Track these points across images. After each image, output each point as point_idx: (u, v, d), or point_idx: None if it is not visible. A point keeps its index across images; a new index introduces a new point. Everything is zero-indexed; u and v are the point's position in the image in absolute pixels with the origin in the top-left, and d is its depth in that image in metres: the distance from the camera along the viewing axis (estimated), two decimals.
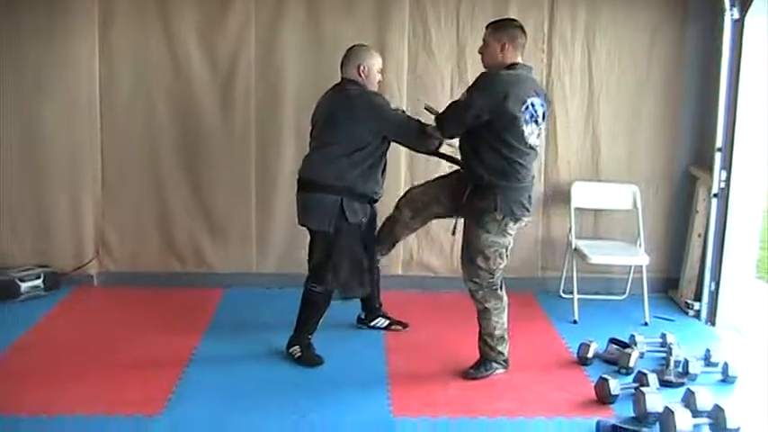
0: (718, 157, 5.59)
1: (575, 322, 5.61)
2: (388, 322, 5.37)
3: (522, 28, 4.59)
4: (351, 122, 4.63)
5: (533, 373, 4.79)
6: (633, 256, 5.84)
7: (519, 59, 4.52)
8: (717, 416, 4.05)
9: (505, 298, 4.68)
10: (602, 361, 4.94)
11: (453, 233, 4.72)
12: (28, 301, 5.72)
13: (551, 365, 4.94)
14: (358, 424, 4.14)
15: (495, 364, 4.70)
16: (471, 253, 4.56)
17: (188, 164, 6.01)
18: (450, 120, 4.54)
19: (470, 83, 5.88)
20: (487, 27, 4.63)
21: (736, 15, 5.42)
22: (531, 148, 4.48)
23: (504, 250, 4.56)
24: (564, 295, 6.02)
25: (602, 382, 4.41)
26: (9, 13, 5.76)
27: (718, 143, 5.58)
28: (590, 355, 4.91)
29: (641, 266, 5.75)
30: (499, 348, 4.69)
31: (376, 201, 4.90)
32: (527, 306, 5.90)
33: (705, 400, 4.15)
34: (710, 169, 5.66)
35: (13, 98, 5.85)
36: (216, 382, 4.56)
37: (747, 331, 5.62)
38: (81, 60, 5.86)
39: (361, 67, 4.76)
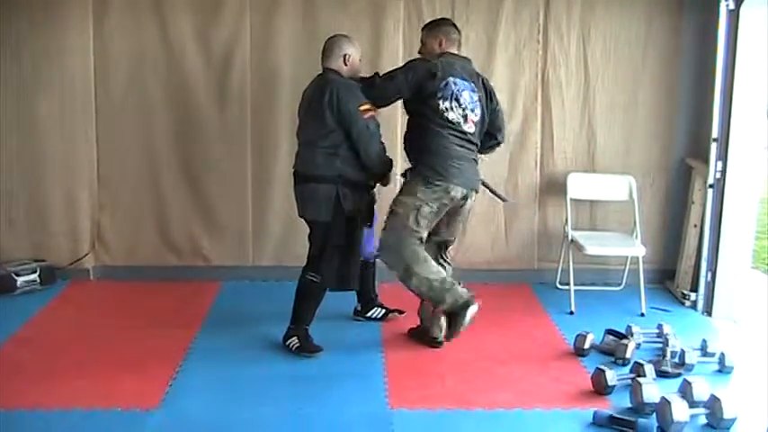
0: (713, 147, 5.59)
1: (571, 313, 5.62)
2: (384, 312, 5.38)
3: (455, 25, 4.97)
4: (322, 109, 4.66)
5: (530, 365, 4.80)
6: (629, 247, 5.84)
7: (453, 51, 4.86)
8: (713, 406, 4.05)
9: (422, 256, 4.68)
10: (598, 352, 4.94)
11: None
12: (24, 296, 5.72)
13: (548, 357, 4.94)
14: (355, 416, 4.14)
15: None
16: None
17: (184, 157, 6.00)
18: (373, 89, 4.77)
19: None
20: (423, 29, 4.99)
21: (732, 6, 5.42)
22: (450, 122, 4.67)
23: (415, 210, 4.63)
24: (560, 286, 6.03)
25: (599, 373, 4.42)
26: (4, 8, 5.74)
27: (714, 133, 5.58)
28: (587, 346, 4.92)
29: (637, 257, 5.75)
30: (444, 297, 4.63)
31: (373, 187, 4.95)
32: (524, 297, 5.92)
33: (702, 391, 4.16)
34: (706, 160, 5.67)
35: (9, 92, 5.84)
36: (213, 375, 4.56)
37: (744, 321, 5.64)
38: (76, 56, 5.85)
39: (346, 57, 4.81)
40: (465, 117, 4.71)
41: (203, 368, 4.65)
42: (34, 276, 5.82)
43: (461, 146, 4.72)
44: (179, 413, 4.12)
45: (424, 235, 4.70)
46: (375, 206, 5.00)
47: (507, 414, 4.20)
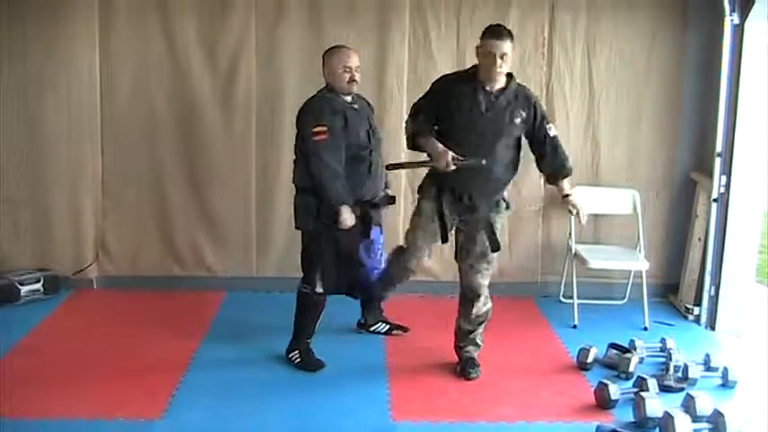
0: (717, 161, 5.59)
1: (574, 327, 5.61)
2: (388, 327, 5.37)
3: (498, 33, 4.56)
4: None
5: (533, 378, 4.80)
6: (633, 261, 5.83)
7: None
8: (716, 421, 4.05)
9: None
10: (601, 366, 4.94)
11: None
12: (28, 305, 5.71)
13: (551, 370, 4.94)
14: (358, 429, 4.14)
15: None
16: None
17: (188, 167, 6.01)
18: None
19: None
20: (507, 38, 4.48)
21: (736, 20, 5.43)
22: None
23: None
24: (564, 300, 6.02)
25: (602, 387, 4.41)
26: (12, 16, 5.76)
27: (718, 148, 5.58)
28: (590, 359, 4.91)
29: (641, 271, 5.75)
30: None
31: (370, 203, 4.87)
32: (527, 311, 5.91)
33: (705, 405, 4.15)
34: (710, 174, 5.67)
35: (14, 101, 5.85)
36: (216, 385, 4.57)
37: (747, 336, 5.63)
38: (81, 65, 5.86)
39: (326, 71, 4.82)
40: None
41: (206, 378, 4.65)
42: (38, 286, 5.82)
43: None
44: (182, 423, 4.12)
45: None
46: (375, 219, 4.93)
47: (510, 427, 4.20)
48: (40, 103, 5.88)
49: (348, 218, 4.65)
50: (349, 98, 4.80)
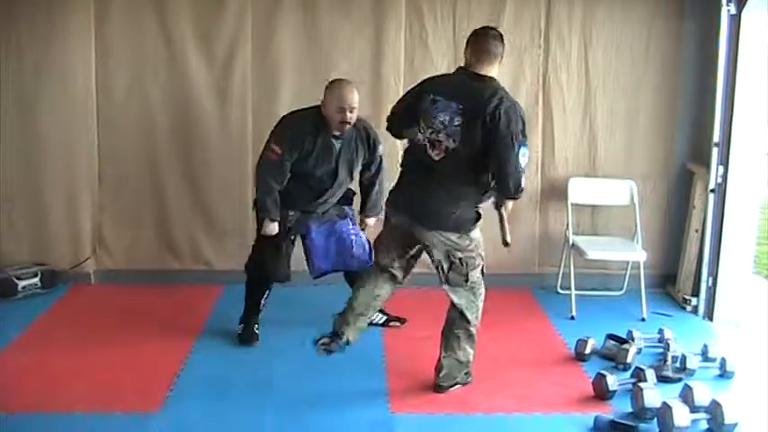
0: (715, 152, 5.59)
1: (572, 318, 5.61)
2: (385, 318, 5.38)
3: (489, 36, 4.31)
4: None
5: (531, 370, 4.80)
6: (630, 252, 5.84)
7: (471, 61, 4.26)
8: (714, 411, 4.05)
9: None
10: (599, 357, 4.94)
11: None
12: (25, 300, 5.71)
13: (549, 362, 4.94)
14: (356, 421, 4.14)
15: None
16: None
17: (185, 161, 6.00)
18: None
19: None
20: (500, 37, 4.31)
21: (733, 10, 5.42)
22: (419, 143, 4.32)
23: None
24: (561, 291, 6.03)
25: (600, 378, 4.42)
26: (6, 12, 5.74)
27: (716, 138, 5.58)
28: (587, 351, 4.91)
29: (639, 262, 5.75)
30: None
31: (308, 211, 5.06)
32: (524, 302, 5.92)
33: (703, 396, 4.16)
34: (707, 165, 5.67)
35: (10, 96, 5.84)
36: (213, 379, 4.57)
37: (745, 326, 5.63)
38: (77, 59, 5.85)
39: (324, 101, 4.86)
40: (431, 140, 4.20)
41: (204, 372, 4.65)
42: (35, 280, 5.82)
43: (422, 177, 4.26)
44: (180, 417, 4.11)
45: (385, 261, 4.54)
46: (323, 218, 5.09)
47: (508, 419, 4.20)
48: (36, 97, 5.86)
49: (269, 229, 4.95)
50: (338, 133, 4.89)
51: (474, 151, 4.15)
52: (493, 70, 4.25)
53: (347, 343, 4.50)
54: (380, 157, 5.14)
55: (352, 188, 5.23)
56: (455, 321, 4.43)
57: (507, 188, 4.22)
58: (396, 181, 4.48)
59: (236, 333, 5.11)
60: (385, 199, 4.65)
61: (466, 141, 4.13)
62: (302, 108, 4.99)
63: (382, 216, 4.74)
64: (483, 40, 4.24)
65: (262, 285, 5.16)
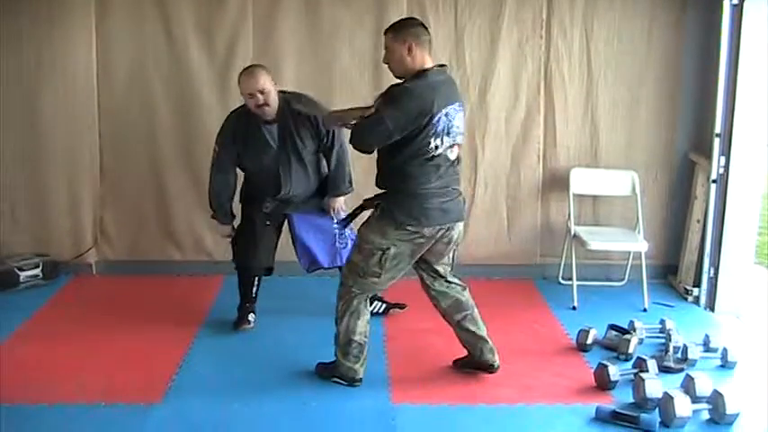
0: (717, 142, 5.58)
1: (574, 309, 5.62)
2: (385, 306, 5.40)
3: (422, 25, 4.20)
4: None
5: (533, 360, 4.80)
6: (632, 243, 5.83)
7: (427, 59, 4.11)
8: (716, 401, 4.05)
9: (363, 314, 4.39)
10: (601, 347, 4.95)
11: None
12: (27, 290, 5.73)
13: (550, 352, 4.94)
14: (358, 411, 4.15)
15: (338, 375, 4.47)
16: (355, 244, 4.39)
17: (186, 152, 6.00)
18: (361, 134, 4.12)
19: (467, 71, 5.89)
20: (386, 32, 4.20)
21: (736, 0, 5.41)
22: (436, 156, 4.08)
23: (379, 252, 4.17)
24: (563, 282, 6.03)
25: (602, 369, 4.42)
26: (7, 4, 5.74)
27: (717, 129, 5.57)
28: (589, 341, 4.91)
29: (640, 252, 5.74)
30: (341, 359, 4.43)
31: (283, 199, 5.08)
32: (526, 293, 5.92)
33: (704, 386, 4.16)
34: (709, 155, 5.66)
35: (12, 87, 5.84)
36: (215, 370, 4.58)
37: (746, 317, 5.63)
38: (79, 51, 5.85)
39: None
40: (453, 146, 4.14)
41: (206, 363, 4.66)
42: (37, 271, 5.83)
43: (443, 183, 4.16)
44: (182, 408, 4.12)
45: (385, 277, 4.26)
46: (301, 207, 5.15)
47: (510, 409, 4.20)
48: (37, 89, 5.87)
49: (222, 233, 5.28)
50: (267, 118, 4.91)
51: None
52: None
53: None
54: (332, 132, 4.97)
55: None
56: (471, 298, 4.51)
57: None
58: (416, 196, 4.11)
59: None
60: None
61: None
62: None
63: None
64: (423, 32, 4.15)
65: (246, 275, 5.21)
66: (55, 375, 4.44)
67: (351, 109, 4.36)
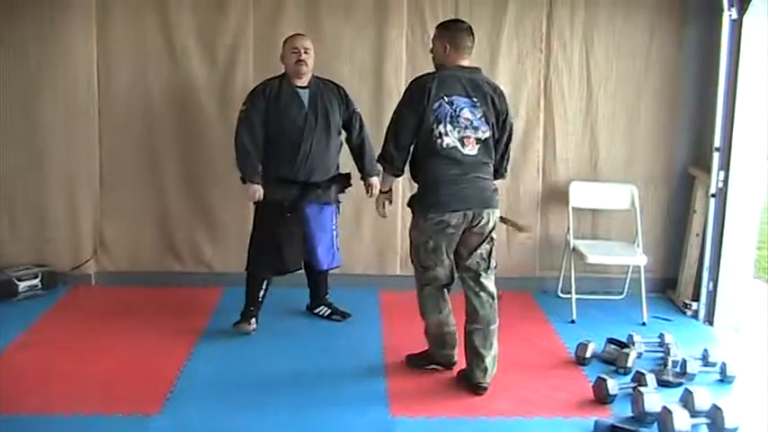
0: (716, 156, 5.59)
1: (572, 322, 5.61)
2: (329, 311, 5.49)
3: (469, 29, 4.50)
4: None
5: (531, 373, 4.80)
6: (631, 256, 5.84)
7: (461, 60, 4.46)
8: (715, 416, 4.05)
9: (442, 305, 4.61)
10: (600, 361, 4.94)
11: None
12: (26, 301, 5.72)
13: (549, 365, 4.94)
14: (357, 424, 4.14)
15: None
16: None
17: (187, 163, 6.01)
18: (389, 135, 4.47)
19: None
20: (437, 27, 4.62)
21: (735, 15, 5.43)
22: (444, 148, 4.33)
23: (421, 246, 4.47)
24: (562, 295, 6.03)
25: (601, 382, 4.41)
26: (8, 11, 5.75)
27: (717, 143, 5.59)
28: (588, 354, 4.91)
29: (639, 266, 5.75)
30: (435, 349, 4.71)
31: (307, 184, 5.14)
32: (525, 306, 5.91)
33: (703, 400, 4.15)
34: (708, 169, 5.67)
35: (12, 97, 5.85)
36: (214, 381, 4.56)
37: (745, 331, 5.63)
38: (79, 60, 5.86)
39: (281, 56, 5.22)
40: (463, 139, 4.34)
41: (205, 374, 4.65)
42: (36, 281, 5.82)
43: (460, 172, 4.36)
44: (180, 419, 4.11)
45: (441, 269, 4.50)
46: (315, 198, 5.19)
47: (508, 422, 4.20)
48: (37, 99, 5.88)
49: (252, 194, 5.11)
50: (300, 82, 5.12)
51: (493, 137, 4.46)
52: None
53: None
54: (358, 112, 5.33)
55: (347, 175, 5.35)
56: (492, 315, 4.52)
57: (507, 167, 4.70)
58: (431, 188, 4.39)
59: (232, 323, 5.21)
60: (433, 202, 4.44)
61: (491, 130, 4.43)
62: None
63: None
64: (461, 36, 4.47)
65: (257, 279, 5.24)
66: (53, 386, 4.43)
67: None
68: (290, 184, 5.10)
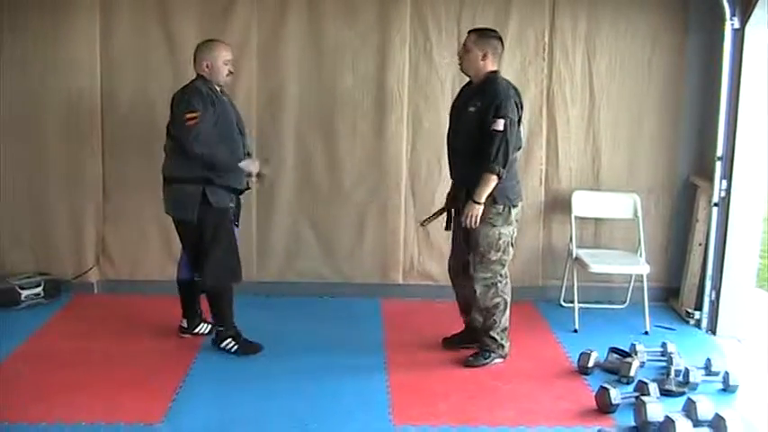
0: (718, 166, 5.59)
1: (575, 331, 5.61)
2: (210, 327, 5.33)
3: (501, 38, 4.90)
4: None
5: (534, 383, 4.79)
6: (634, 265, 5.83)
7: (492, 66, 4.83)
8: (717, 425, 4.04)
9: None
10: (602, 370, 4.94)
11: (448, 227, 5.07)
12: (28, 309, 5.72)
13: (552, 375, 4.93)
14: None
15: (494, 355, 4.99)
16: (483, 250, 4.78)
17: None
18: (508, 147, 4.69)
19: None
20: (471, 32, 4.89)
21: (737, 25, 5.43)
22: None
23: (510, 239, 4.85)
24: (564, 304, 6.02)
25: (603, 392, 4.41)
26: (12, 18, 5.78)
27: (719, 152, 5.59)
28: (590, 364, 4.91)
29: (642, 275, 5.74)
30: (502, 341, 4.98)
31: (242, 192, 5.11)
32: (528, 315, 5.90)
33: (706, 410, 4.15)
34: (711, 178, 5.67)
35: (15, 104, 5.86)
36: (216, 390, 4.56)
37: (748, 340, 5.62)
38: (82, 68, 5.87)
39: (205, 63, 4.90)
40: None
41: (207, 383, 4.65)
42: (38, 290, 5.82)
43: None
44: (182, 428, 4.12)
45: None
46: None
47: (511, 431, 4.19)
48: (41, 110, 5.89)
49: (255, 167, 5.11)
50: (218, 88, 4.97)
51: None
52: None
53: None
54: None
55: None
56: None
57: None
58: (513, 181, 4.86)
59: (231, 351, 5.05)
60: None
61: None
62: (185, 85, 4.97)
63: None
64: (500, 45, 4.88)
65: (230, 291, 5.10)
66: (56, 394, 4.42)
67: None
68: (232, 192, 5.03)
